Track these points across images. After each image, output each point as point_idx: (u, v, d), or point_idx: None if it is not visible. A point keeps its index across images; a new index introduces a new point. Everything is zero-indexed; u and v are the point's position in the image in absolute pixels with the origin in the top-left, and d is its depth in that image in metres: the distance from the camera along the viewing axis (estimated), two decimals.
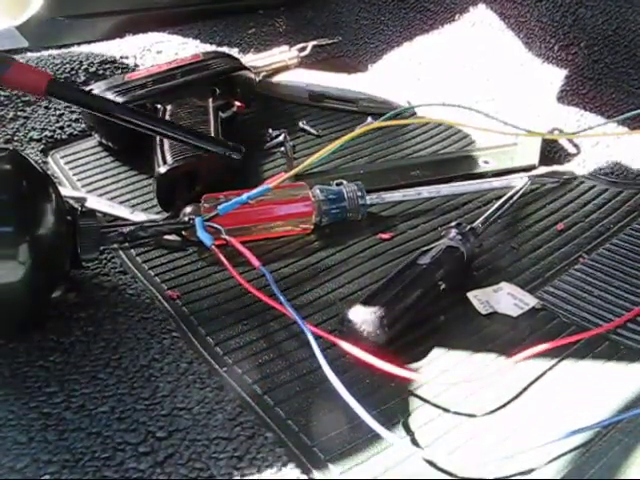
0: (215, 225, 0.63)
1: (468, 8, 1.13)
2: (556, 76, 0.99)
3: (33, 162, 0.61)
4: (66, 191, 0.79)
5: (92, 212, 0.64)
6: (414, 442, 0.53)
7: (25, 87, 0.68)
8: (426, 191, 0.79)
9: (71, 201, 0.64)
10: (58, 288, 0.61)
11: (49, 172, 0.82)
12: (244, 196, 0.67)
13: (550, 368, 0.59)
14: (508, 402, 0.56)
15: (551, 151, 0.90)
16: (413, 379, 0.57)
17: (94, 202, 0.78)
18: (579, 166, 0.88)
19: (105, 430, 0.52)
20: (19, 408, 0.54)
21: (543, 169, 0.87)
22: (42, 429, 0.52)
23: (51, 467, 0.49)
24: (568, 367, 0.59)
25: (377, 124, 0.88)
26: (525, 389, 0.57)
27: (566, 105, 0.96)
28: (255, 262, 0.59)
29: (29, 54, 1.02)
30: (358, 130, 0.86)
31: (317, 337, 0.56)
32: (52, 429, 0.52)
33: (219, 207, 0.66)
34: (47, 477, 0.48)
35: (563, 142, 0.91)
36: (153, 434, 0.52)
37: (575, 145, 0.90)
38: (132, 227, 0.65)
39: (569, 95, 0.96)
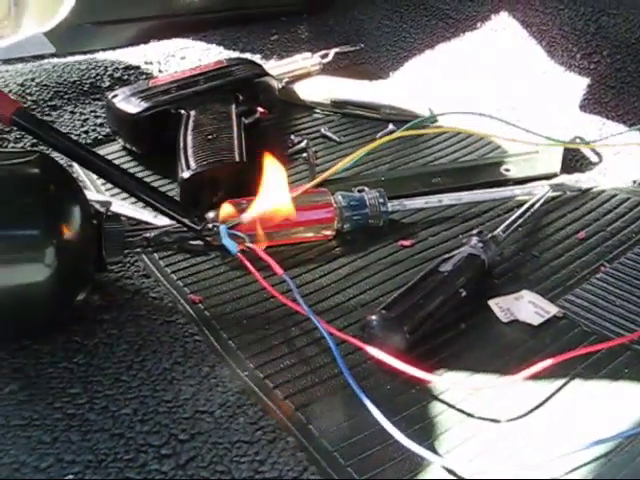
0: (239, 233, 0.64)
1: (490, 16, 1.14)
2: (578, 84, 0.99)
3: (61, 166, 0.62)
4: (91, 195, 0.80)
5: (117, 216, 0.64)
6: (434, 449, 0.53)
7: None
8: (447, 198, 0.79)
9: (96, 205, 0.64)
10: (82, 291, 0.61)
11: (74, 176, 0.83)
12: (265, 204, 0.67)
13: (571, 377, 0.59)
14: (529, 411, 0.56)
15: (572, 159, 0.90)
16: (433, 385, 0.57)
17: (117, 206, 0.78)
18: (600, 174, 0.88)
19: (128, 432, 0.53)
20: (43, 408, 0.54)
21: (564, 177, 0.87)
22: (66, 429, 0.53)
23: (75, 467, 0.50)
24: (589, 377, 0.59)
25: (401, 133, 0.88)
26: (546, 398, 0.57)
27: (588, 113, 0.96)
28: (278, 270, 0.60)
29: (56, 59, 1.04)
30: (382, 139, 0.87)
31: (339, 342, 0.57)
32: (76, 429, 0.53)
33: (241, 215, 0.66)
34: (71, 477, 0.49)
35: (585, 150, 0.91)
36: (175, 436, 0.52)
37: (597, 153, 0.90)
38: (156, 232, 0.65)
39: (591, 103, 0.96)
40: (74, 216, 0.59)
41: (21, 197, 0.58)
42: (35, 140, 0.87)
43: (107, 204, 0.66)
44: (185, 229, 0.66)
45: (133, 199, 0.80)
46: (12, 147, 0.87)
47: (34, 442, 0.51)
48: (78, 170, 0.87)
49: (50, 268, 0.56)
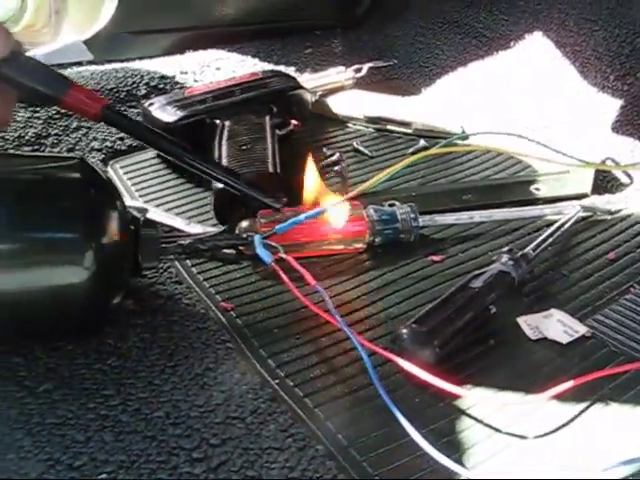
0: (273, 244, 0.65)
1: (524, 35, 1.14)
2: (611, 106, 0.99)
3: (100, 171, 0.63)
4: (128, 201, 0.81)
5: (153, 222, 0.66)
6: (461, 462, 0.53)
7: (80, 110, 0.68)
8: (478, 215, 0.80)
9: (133, 211, 0.66)
10: (118, 294, 0.62)
11: None
12: (302, 216, 0.68)
13: (598, 397, 0.59)
14: (556, 428, 0.56)
15: (604, 180, 0.90)
16: (462, 400, 0.58)
17: (151, 212, 0.79)
18: (632, 196, 0.88)
19: (160, 434, 0.54)
20: (77, 408, 0.55)
21: (595, 198, 0.87)
22: (99, 429, 0.54)
23: (108, 467, 0.51)
24: (616, 397, 0.59)
25: (435, 150, 0.89)
26: (573, 416, 0.57)
27: (620, 135, 0.96)
28: (311, 281, 0.61)
29: (93, 67, 1.05)
30: (418, 155, 0.87)
31: (369, 354, 0.57)
32: (109, 430, 0.54)
33: (276, 227, 0.67)
34: (104, 476, 0.50)
35: (616, 172, 0.91)
36: (207, 441, 0.53)
37: (628, 175, 0.90)
38: (191, 239, 0.66)
39: (624, 125, 0.96)
40: (112, 221, 0.60)
41: (61, 201, 0.59)
42: (72, 145, 0.90)
43: (144, 210, 0.67)
44: (219, 237, 0.67)
45: (166, 206, 0.82)
46: (49, 151, 0.89)
47: (68, 441, 0.52)
48: (112, 176, 0.88)
49: (88, 271, 0.57)
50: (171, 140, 0.73)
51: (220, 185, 0.78)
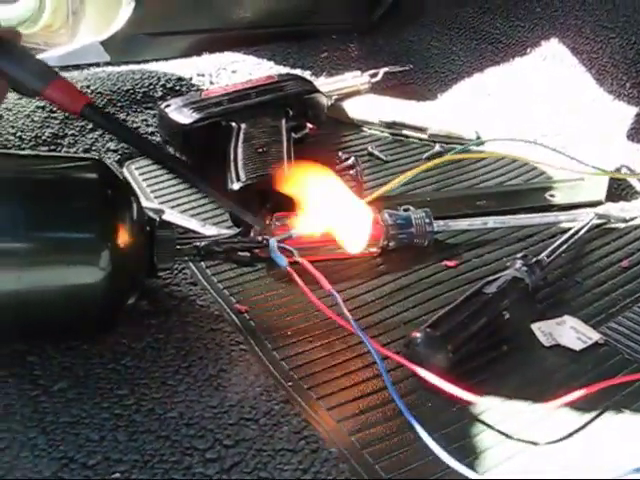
0: (288, 247, 0.65)
1: (540, 42, 1.14)
2: (627, 113, 0.99)
3: (117, 172, 0.63)
4: (144, 202, 0.81)
5: (169, 224, 0.66)
6: (473, 467, 0.53)
7: (62, 104, 0.67)
8: (492, 221, 0.80)
9: (150, 212, 0.66)
10: (133, 295, 0.63)
11: None
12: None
13: (611, 404, 0.59)
14: (568, 435, 0.56)
15: (618, 188, 0.90)
16: (474, 405, 0.58)
17: (167, 214, 0.80)
18: None
19: (174, 434, 0.54)
20: (91, 407, 0.56)
21: (609, 205, 0.87)
22: (113, 429, 0.54)
23: (121, 466, 0.51)
24: (629, 404, 0.59)
25: (449, 157, 0.89)
26: (585, 423, 0.57)
27: (636, 143, 0.96)
28: (326, 285, 0.61)
29: (110, 68, 1.06)
30: (434, 161, 0.88)
31: (382, 358, 0.58)
32: (122, 430, 0.54)
33: (292, 230, 0.68)
34: (117, 475, 0.50)
35: (631, 179, 0.91)
36: (220, 442, 0.53)
37: None
38: (207, 242, 0.66)
39: (639, 133, 0.96)
40: (129, 222, 0.60)
41: (78, 201, 0.59)
42: (88, 146, 0.91)
43: (160, 212, 0.67)
44: (234, 240, 0.68)
45: (181, 207, 0.83)
46: (65, 152, 0.89)
47: (82, 439, 0.53)
48: (128, 177, 0.88)
49: (104, 271, 0.58)
50: (153, 144, 0.72)
51: (236, 186, 0.79)
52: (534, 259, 0.71)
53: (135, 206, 0.62)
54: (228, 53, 1.15)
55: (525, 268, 0.69)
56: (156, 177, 0.89)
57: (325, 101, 0.99)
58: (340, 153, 0.93)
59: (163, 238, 0.64)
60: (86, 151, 0.90)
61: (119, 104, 0.98)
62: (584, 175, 0.89)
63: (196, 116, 0.89)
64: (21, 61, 0.64)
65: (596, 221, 0.81)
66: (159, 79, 1.04)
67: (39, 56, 0.70)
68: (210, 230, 0.78)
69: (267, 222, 0.73)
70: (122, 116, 0.97)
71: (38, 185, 0.60)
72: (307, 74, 1.12)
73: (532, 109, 1.06)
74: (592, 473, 0.52)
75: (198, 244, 0.66)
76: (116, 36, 1.07)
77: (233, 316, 0.68)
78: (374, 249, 0.76)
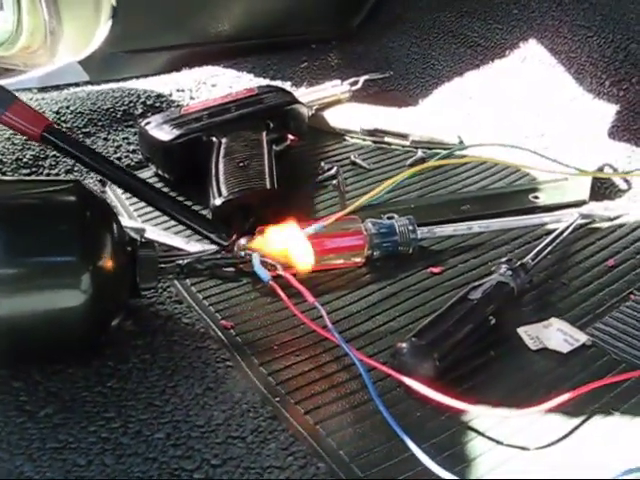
0: (271, 261, 0.65)
1: (518, 44, 1.14)
2: (607, 112, 1.00)
3: (96, 193, 0.63)
4: (125, 221, 0.81)
5: (151, 243, 0.66)
6: (463, 475, 0.53)
7: (19, 131, 0.66)
8: (476, 226, 0.80)
9: (131, 231, 0.66)
10: (117, 316, 0.62)
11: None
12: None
13: (600, 406, 0.59)
14: (558, 439, 0.56)
15: (602, 187, 0.90)
16: (463, 412, 0.58)
17: (150, 231, 0.80)
18: (630, 202, 0.88)
19: (161, 456, 0.53)
20: (78, 432, 0.55)
21: (593, 205, 0.87)
22: (100, 453, 0.53)
23: None
24: (618, 405, 0.59)
25: (432, 163, 0.89)
26: (575, 426, 0.57)
27: (617, 141, 0.96)
28: (310, 298, 0.61)
29: (90, 87, 1.06)
30: (416, 167, 0.88)
31: (369, 369, 0.57)
32: (110, 453, 0.54)
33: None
34: None
35: (614, 178, 0.91)
36: (208, 461, 0.53)
37: (626, 181, 0.90)
38: (189, 259, 0.66)
39: (620, 131, 0.97)
40: (110, 243, 0.60)
41: (58, 224, 0.59)
42: (70, 167, 0.90)
43: (141, 231, 0.67)
44: (217, 256, 0.67)
45: (165, 225, 0.82)
46: (47, 174, 0.89)
47: (69, 465, 0.52)
48: (111, 196, 0.88)
49: (86, 294, 0.57)
50: (117, 166, 0.72)
51: (218, 202, 0.78)
52: (519, 263, 0.71)
53: (115, 226, 0.62)
54: (207, 67, 1.14)
55: (510, 272, 0.69)
56: None
57: (306, 111, 0.99)
58: (322, 163, 0.94)
59: (145, 258, 0.63)
60: (68, 172, 0.90)
61: (99, 123, 0.98)
62: (567, 175, 0.89)
63: (176, 132, 0.89)
64: None
65: (580, 221, 0.81)
66: (139, 96, 1.04)
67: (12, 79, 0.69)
68: (194, 247, 0.78)
69: (231, 240, 0.73)
70: (103, 135, 0.97)
71: (17, 210, 0.60)
72: (287, 85, 1.12)
73: (513, 111, 1.06)
74: (583, 475, 0.52)
75: (181, 262, 0.66)
76: (95, 55, 1.07)
77: (219, 333, 0.67)
78: (358, 259, 0.76)
